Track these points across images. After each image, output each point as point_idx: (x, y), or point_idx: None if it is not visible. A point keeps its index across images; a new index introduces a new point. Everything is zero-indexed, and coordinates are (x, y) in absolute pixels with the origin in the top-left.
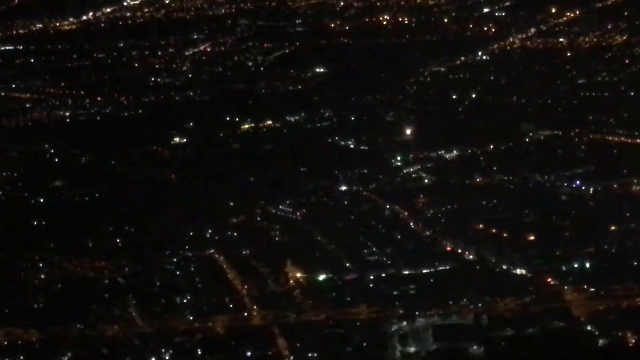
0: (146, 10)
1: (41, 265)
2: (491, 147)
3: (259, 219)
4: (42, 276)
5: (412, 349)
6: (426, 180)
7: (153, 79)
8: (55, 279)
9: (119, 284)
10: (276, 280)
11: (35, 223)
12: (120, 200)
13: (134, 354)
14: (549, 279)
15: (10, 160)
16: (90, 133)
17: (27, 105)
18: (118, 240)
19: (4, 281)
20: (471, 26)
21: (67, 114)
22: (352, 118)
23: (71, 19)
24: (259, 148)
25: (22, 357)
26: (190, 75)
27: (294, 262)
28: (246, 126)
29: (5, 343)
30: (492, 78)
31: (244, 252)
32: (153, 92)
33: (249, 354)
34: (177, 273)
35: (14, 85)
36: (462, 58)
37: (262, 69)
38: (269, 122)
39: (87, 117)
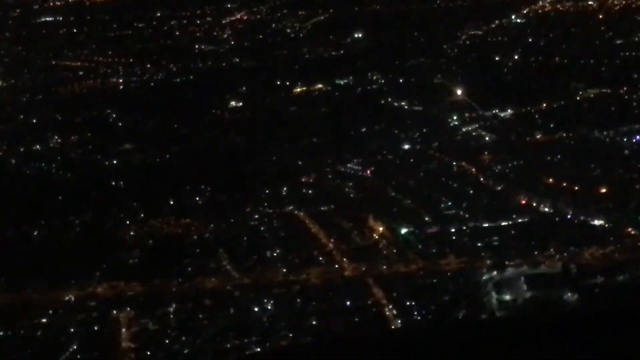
0: None
1: (128, 223)
2: (544, 105)
3: (330, 177)
4: (132, 233)
5: (507, 297)
6: (487, 138)
7: (197, 46)
8: (145, 236)
9: (207, 240)
10: (361, 235)
11: (113, 184)
12: (190, 162)
13: (236, 304)
14: (629, 229)
15: (76, 126)
16: (147, 99)
17: (80, 73)
18: (197, 199)
19: (96, 238)
20: None
21: (120, 81)
22: (401, 81)
23: None
24: (315, 110)
25: (128, 309)
26: (232, 43)
27: (375, 217)
28: (298, 90)
29: (111, 296)
30: (530, 40)
31: (323, 209)
32: (200, 60)
33: (347, 303)
34: (262, 229)
35: (62, 55)
36: (497, 22)
37: (301, 35)
38: (320, 86)
39: (141, 84)
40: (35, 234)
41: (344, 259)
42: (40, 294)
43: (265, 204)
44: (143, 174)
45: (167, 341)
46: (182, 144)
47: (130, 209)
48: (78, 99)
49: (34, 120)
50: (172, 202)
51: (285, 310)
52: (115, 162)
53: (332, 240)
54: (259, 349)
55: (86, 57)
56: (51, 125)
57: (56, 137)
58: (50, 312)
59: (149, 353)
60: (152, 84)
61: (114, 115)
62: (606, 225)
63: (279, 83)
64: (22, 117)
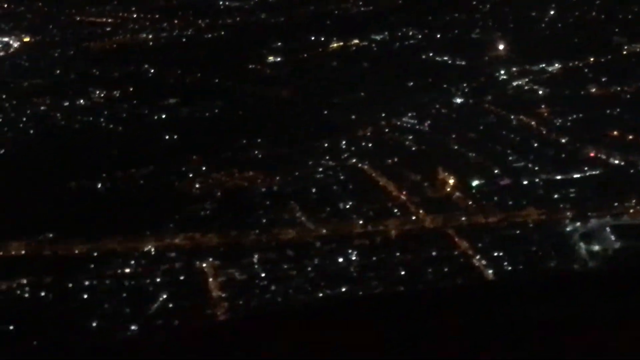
0: None
1: (191, 175)
2: (592, 60)
3: (387, 130)
4: (197, 185)
5: (597, 248)
6: (540, 92)
7: (221, 3)
8: (212, 188)
9: (276, 192)
10: (432, 187)
11: (167, 137)
12: (239, 115)
13: (319, 255)
14: None
15: (116, 80)
16: (181, 54)
17: (108, 29)
18: (256, 152)
19: (162, 191)
20: None
21: (150, 36)
22: (438, 36)
23: None
24: (356, 65)
25: (210, 259)
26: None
27: (445, 169)
28: (334, 45)
29: (190, 247)
30: None
31: (388, 161)
32: (227, 16)
33: (433, 254)
34: (329, 182)
35: (85, 11)
36: None
37: None
38: (356, 41)
39: (171, 40)
40: (99, 186)
41: (420, 211)
42: (118, 245)
43: (327, 157)
44: (195, 128)
45: (257, 291)
46: (227, 98)
47: (191, 162)
48: (111, 54)
49: (72, 76)
50: (229, 156)
51: (371, 260)
52: (163, 116)
53: (403, 192)
54: (350, 298)
55: (109, 13)
56: (90, 80)
57: (97, 92)
58: (133, 262)
59: (241, 302)
60: (183, 40)
61: (152, 71)
62: None
63: (313, 38)
64: (58, 72)
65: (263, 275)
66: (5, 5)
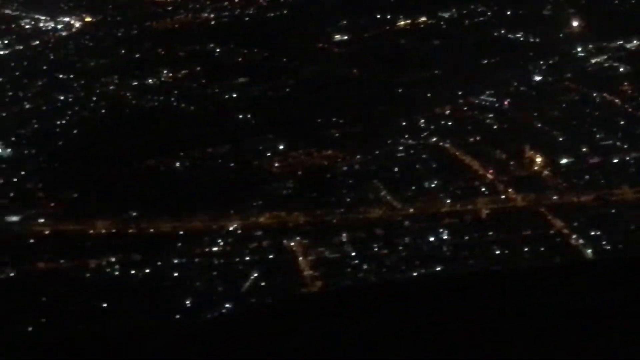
0: None
1: (269, 154)
2: None
3: (465, 108)
4: (277, 164)
5: None
6: (621, 69)
7: None
8: (292, 167)
9: (358, 171)
10: (520, 165)
11: (240, 116)
12: (311, 94)
13: (410, 234)
14: None
15: (182, 59)
16: (245, 33)
17: (169, 9)
18: (333, 131)
19: (242, 170)
20: None
21: (212, 15)
22: (508, 13)
23: None
24: (426, 43)
25: (298, 238)
26: None
27: (532, 147)
28: (402, 23)
29: (275, 225)
30: None
31: (470, 139)
32: None
33: (528, 233)
34: (411, 160)
35: None
36: None
37: None
38: (424, 19)
39: (233, 19)
40: (177, 165)
41: (509, 189)
42: (203, 224)
43: (406, 136)
44: (267, 107)
45: (349, 269)
46: (297, 77)
47: (267, 141)
48: (174, 33)
49: (138, 55)
50: (307, 134)
51: (463, 239)
52: (234, 95)
53: (490, 171)
54: (447, 277)
55: None
56: (156, 59)
57: (165, 72)
58: (220, 241)
59: (333, 281)
60: (245, 19)
61: (218, 50)
62: None
63: (379, 16)
64: (123, 51)
65: (354, 254)
66: None
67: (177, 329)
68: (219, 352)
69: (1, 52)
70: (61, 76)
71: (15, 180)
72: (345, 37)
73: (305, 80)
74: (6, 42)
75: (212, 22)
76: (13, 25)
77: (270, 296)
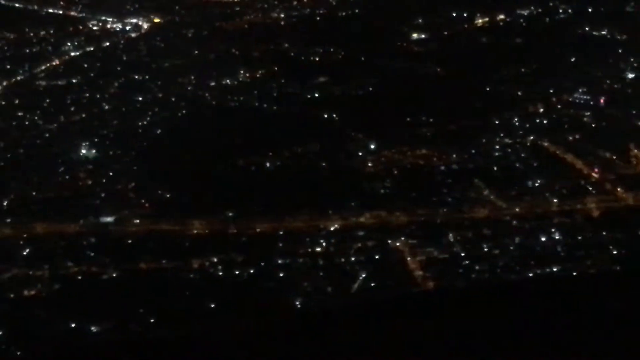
0: None
1: (360, 154)
2: None
3: (559, 106)
4: (369, 164)
5: None
6: None
7: None
8: (386, 166)
9: (456, 170)
10: (627, 163)
11: (325, 116)
12: (394, 93)
13: (520, 233)
14: None
15: (257, 60)
16: (317, 32)
17: (237, 9)
18: (424, 130)
19: (335, 170)
20: None
21: (282, 15)
22: (590, 10)
23: None
24: (507, 40)
25: (403, 238)
26: None
27: (635, 145)
28: (480, 21)
29: (377, 225)
30: None
31: (569, 138)
32: None
33: None
34: (510, 158)
35: None
36: None
37: None
38: (502, 17)
39: (303, 18)
40: (268, 165)
41: (617, 188)
42: (303, 224)
43: (501, 134)
44: (352, 106)
45: (461, 270)
46: (379, 76)
47: (357, 141)
48: (246, 33)
49: (211, 55)
50: (397, 133)
51: (577, 239)
52: (316, 94)
53: (595, 169)
54: (561, 277)
55: None
56: (231, 59)
57: (242, 72)
58: (322, 241)
59: (446, 281)
60: (317, 18)
61: (293, 49)
62: None
63: (454, 15)
64: (196, 52)
65: (463, 254)
66: None
67: (288, 328)
68: (334, 350)
69: (72, 54)
70: (137, 77)
71: (104, 181)
72: (423, 36)
73: (388, 79)
74: (76, 43)
75: (282, 22)
76: (80, 27)
77: (382, 296)
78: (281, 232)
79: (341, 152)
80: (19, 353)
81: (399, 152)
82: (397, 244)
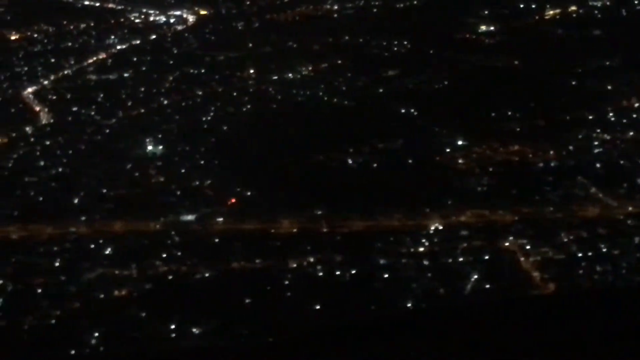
0: None
1: (448, 150)
2: None
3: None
4: (461, 160)
5: None
6: None
7: None
8: (480, 163)
9: (556, 167)
10: None
11: (402, 110)
12: (471, 86)
13: (624, 234)
14: None
15: (317, 53)
16: (376, 24)
17: (286, 1)
18: (513, 125)
19: (423, 166)
20: None
21: (335, 7)
22: None
23: None
24: (583, 32)
25: (511, 238)
26: None
27: None
28: (551, 12)
29: (481, 225)
30: None
31: None
32: None
33: None
34: (612, 154)
35: None
36: None
37: None
38: (574, 8)
39: (358, 10)
40: (350, 161)
41: None
42: (400, 222)
43: (598, 130)
44: (427, 100)
45: (581, 271)
46: (452, 68)
47: (441, 136)
48: (299, 25)
49: (268, 48)
50: (484, 128)
51: None
52: (388, 88)
53: None
54: None
55: None
56: (288, 52)
57: (303, 65)
58: (424, 240)
59: (567, 283)
60: (374, 10)
61: (354, 42)
62: None
63: (521, 6)
64: (250, 45)
65: (580, 254)
66: None
67: (401, 329)
68: (450, 350)
69: (119, 47)
70: (191, 71)
71: (177, 177)
72: (492, 28)
73: (461, 72)
74: (120, 36)
75: (335, 15)
76: (122, 19)
77: (497, 298)
78: (377, 231)
79: (426, 148)
80: (117, 354)
81: (489, 148)
82: (506, 243)
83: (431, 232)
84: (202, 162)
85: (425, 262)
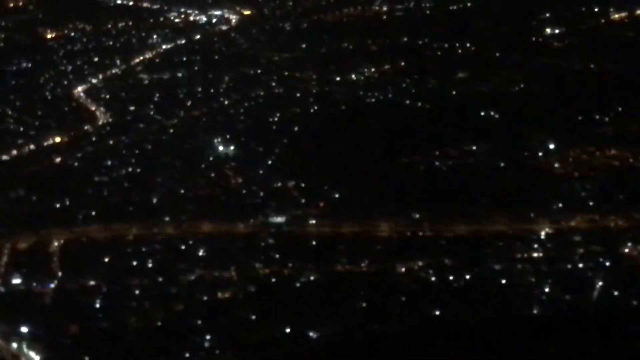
0: None
1: (541, 154)
2: None
3: None
4: (556, 165)
5: None
6: None
7: None
8: (576, 167)
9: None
10: None
11: (482, 113)
12: (549, 89)
13: None
14: None
15: (377, 54)
16: (433, 26)
17: (331, 2)
18: (605, 128)
19: (515, 170)
20: None
21: (384, 9)
22: None
23: None
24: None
25: (630, 244)
26: None
27: None
28: (616, 16)
29: (595, 230)
30: None
31: None
32: None
33: None
34: None
35: None
36: None
37: None
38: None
39: (410, 12)
40: (437, 163)
41: None
42: (507, 227)
43: None
44: (509, 103)
45: None
46: (525, 71)
47: (530, 139)
48: (349, 26)
49: (323, 49)
50: (575, 132)
51: None
52: (461, 91)
53: None
54: None
55: None
56: (346, 53)
57: (364, 66)
58: (536, 245)
59: None
60: (427, 12)
61: (415, 44)
62: None
63: (583, 9)
64: (303, 45)
65: None
66: None
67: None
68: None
69: (164, 46)
70: (249, 71)
71: (256, 178)
72: (557, 31)
73: (535, 75)
74: (162, 35)
75: (385, 17)
76: (161, 19)
77: (629, 306)
78: (484, 236)
79: (517, 151)
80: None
81: (585, 152)
82: (626, 250)
83: (542, 237)
84: (279, 163)
85: (543, 268)
